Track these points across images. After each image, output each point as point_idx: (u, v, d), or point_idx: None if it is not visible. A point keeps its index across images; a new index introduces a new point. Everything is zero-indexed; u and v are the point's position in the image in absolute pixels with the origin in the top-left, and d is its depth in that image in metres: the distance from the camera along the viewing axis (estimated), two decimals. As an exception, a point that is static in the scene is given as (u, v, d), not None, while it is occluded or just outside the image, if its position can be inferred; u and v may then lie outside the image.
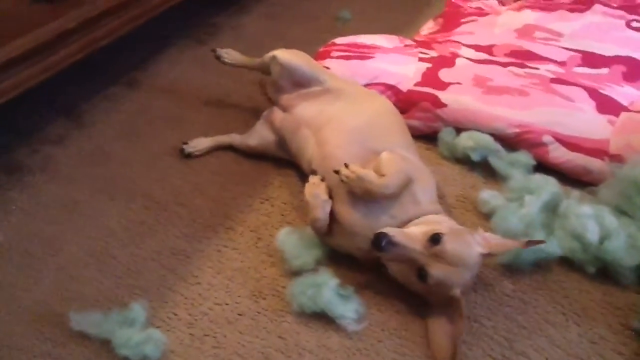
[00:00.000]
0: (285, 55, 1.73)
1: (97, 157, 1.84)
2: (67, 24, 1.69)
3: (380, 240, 1.24)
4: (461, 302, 1.24)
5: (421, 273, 1.25)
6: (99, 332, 1.30)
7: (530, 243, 1.33)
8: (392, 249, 1.24)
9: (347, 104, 1.61)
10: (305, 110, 1.65)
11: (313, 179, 1.45)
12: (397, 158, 1.40)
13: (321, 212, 1.39)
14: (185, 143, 1.84)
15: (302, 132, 1.61)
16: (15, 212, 1.64)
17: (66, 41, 1.73)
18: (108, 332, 1.29)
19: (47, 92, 2.02)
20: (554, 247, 1.42)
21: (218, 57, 1.92)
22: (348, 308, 1.33)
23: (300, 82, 1.71)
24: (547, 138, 1.67)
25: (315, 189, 1.42)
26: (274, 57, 1.74)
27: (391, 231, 1.25)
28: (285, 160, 1.74)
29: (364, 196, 1.34)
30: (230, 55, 1.92)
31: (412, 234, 1.27)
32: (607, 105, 1.73)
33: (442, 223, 1.31)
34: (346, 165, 1.36)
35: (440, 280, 1.24)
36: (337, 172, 1.37)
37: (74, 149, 1.87)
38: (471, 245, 1.28)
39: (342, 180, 1.36)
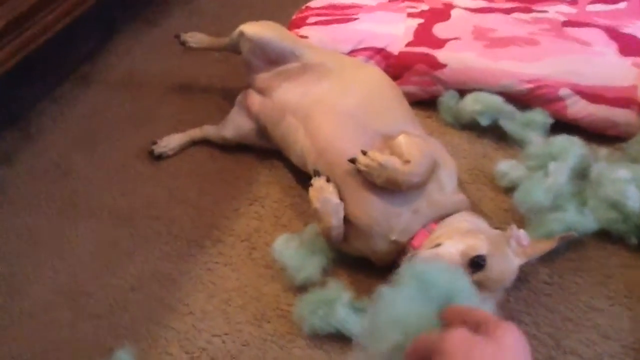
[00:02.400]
0: (253, 29, 1.50)
1: (52, 173, 1.60)
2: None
3: None
4: None
5: None
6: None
7: (563, 239, 1.17)
8: None
9: (334, 81, 1.38)
10: (286, 95, 1.42)
11: (317, 182, 1.23)
12: (418, 140, 1.19)
13: (335, 219, 1.19)
14: (155, 143, 1.62)
15: (287, 122, 1.39)
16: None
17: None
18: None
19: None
20: (588, 220, 1.24)
21: (183, 43, 1.69)
22: (366, 324, 1.15)
23: (274, 59, 1.48)
24: (564, 91, 1.47)
25: (323, 194, 1.21)
26: (241, 33, 1.50)
27: (420, 258, 1.05)
28: (269, 150, 1.53)
29: (387, 186, 1.14)
30: (195, 38, 1.69)
31: (446, 259, 1.03)
32: (631, 46, 1.53)
33: (477, 231, 1.11)
34: (363, 153, 1.16)
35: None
36: (352, 160, 1.17)
37: (24, 167, 1.63)
38: (510, 260, 1.09)
39: (359, 170, 1.16)
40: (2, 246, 1.42)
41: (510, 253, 1.09)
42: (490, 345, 0.58)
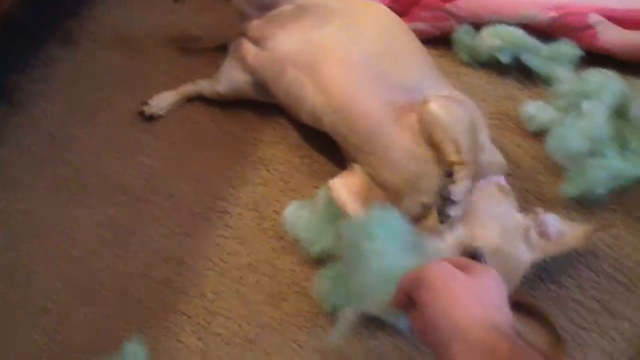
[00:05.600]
0: None
1: (43, 146, 1.48)
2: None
3: None
4: (529, 301, 0.99)
5: None
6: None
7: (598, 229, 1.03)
8: None
9: (339, 25, 1.21)
10: (284, 44, 1.26)
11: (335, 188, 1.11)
12: (453, 108, 1.04)
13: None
14: (145, 103, 1.49)
15: (290, 76, 1.23)
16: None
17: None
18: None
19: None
20: (633, 165, 1.11)
21: None
22: (393, 299, 1.05)
23: (266, 3, 1.32)
24: (594, 17, 1.32)
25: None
26: None
27: None
28: (271, 105, 1.39)
29: None
30: None
31: (442, 247, 0.96)
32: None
33: (493, 216, 0.99)
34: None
35: None
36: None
37: (13, 143, 1.50)
38: (520, 255, 0.98)
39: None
40: (3, 235, 1.32)
41: (524, 247, 0.98)
42: (468, 280, 0.61)
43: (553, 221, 1.02)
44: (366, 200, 1.09)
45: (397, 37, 1.21)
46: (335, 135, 1.19)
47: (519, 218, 1.01)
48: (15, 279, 1.23)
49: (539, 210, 1.01)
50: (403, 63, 1.15)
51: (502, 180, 1.07)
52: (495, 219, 0.99)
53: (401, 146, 1.05)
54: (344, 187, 1.11)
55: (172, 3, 1.63)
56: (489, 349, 0.54)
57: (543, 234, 1.00)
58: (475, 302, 0.59)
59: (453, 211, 0.95)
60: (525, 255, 0.98)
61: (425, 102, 1.04)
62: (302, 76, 1.21)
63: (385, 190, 1.08)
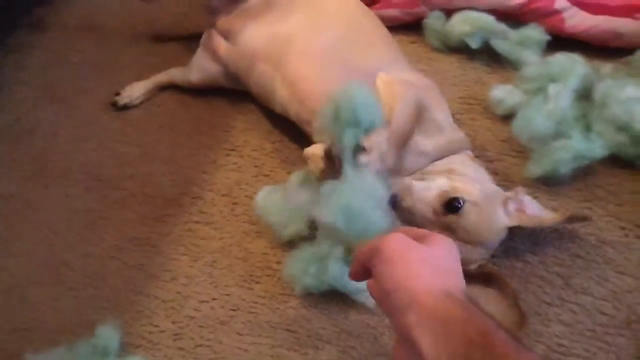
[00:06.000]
0: None
1: (15, 134, 1.48)
2: None
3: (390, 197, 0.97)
4: (496, 274, 1.00)
5: None
6: (66, 375, 1.03)
7: (572, 219, 1.04)
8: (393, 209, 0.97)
9: (303, 14, 1.23)
10: (252, 39, 1.27)
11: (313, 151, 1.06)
12: (395, 84, 1.08)
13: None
14: (118, 94, 1.49)
15: (259, 69, 1.25)
16: None
17: None
18: (77, 372, 1.03)
19: None
20: (596, 146, 1.14)
21: None
22: (363, 278, 1.07)
23: None
24: (561, 3, 1.34)
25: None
26: None
27: (402, 188, 0.97)
28: (243, 92, 1.40)
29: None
30: None
31: (420, 192, 0.98)
32: (632, -53, 1.37)
33: (473, 179, 1.01)
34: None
35: None
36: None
37: (-19, 128, 1.50)
38: (497, 217, 1.00)
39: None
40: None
41: (501, 211, 1.00)
42: (424, 249, 0.62)
43: (531, 203, 1.04)
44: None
45: (360, 24, 1.23)
46: (300, 123, 1.21)
47: (497, 188, 1.04)
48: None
49: (520, 189, 1.04)
50: (366, 49, 1.17)
51: (470, 154, 1.10)
52: (476, 180, 1.02)
53: None
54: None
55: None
56: (441, 318, 0.55)
57: (520, 211, 1.02)
58: (428, 270, 0.59)
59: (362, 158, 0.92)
60: (502, 219, 1.01)
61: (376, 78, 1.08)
62: (271, 70, 1.23)
63: None
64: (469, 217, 0.97)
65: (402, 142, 1.04)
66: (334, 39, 1.17)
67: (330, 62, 1.15)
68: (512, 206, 1.01)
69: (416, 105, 1.06)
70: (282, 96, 1.21)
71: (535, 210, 1.03)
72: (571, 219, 1.03)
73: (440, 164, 1.06)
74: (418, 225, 0.98)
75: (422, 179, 1.02)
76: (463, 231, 0.97)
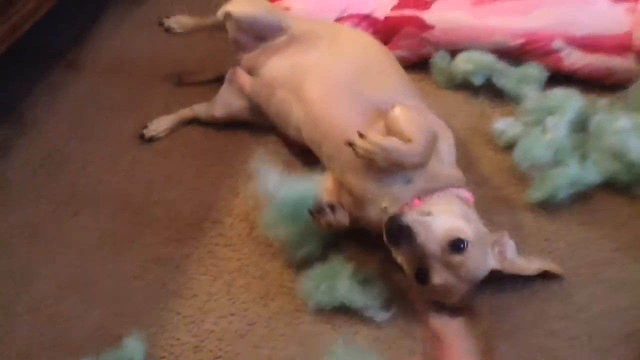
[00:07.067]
0: (238, 7, 1.46)
1: (49, 164, 1.59)
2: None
3: (394, 227, 1.02)
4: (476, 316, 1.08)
5: (420, 273, 1.03)
6: (94, 384, 1.11)
7: (547, 274, 1.11)
8: (404, 242, 1.02)
9: (325, 48, 1.35)
10: (274, 69, 1.39)
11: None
12: (415, 114, 1.15)
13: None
14: (145, 127, 1.60)
15: (279, 96, 1.36)
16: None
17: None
18: (104, 381, 1.10)
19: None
20: (591, 173, 1.22)
21: (167, 30, 1.61)
22: (371, 295, 1.14)
23: (262, 35, 1.44)
24: (558, 43, 1.44)
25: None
26: (227, 14, 1.45)
27: (410, 218, 1.03)
28: (263, 126, 1.50)
29: (390, 168, 1.10)
30: (180, 23, 1.61)
31: (433, 230, 1.02)
32: (622, -8, 1.48)
33: (469, 219, 1.08)
34: (360, 135, 1.09)
35: (440, 288, 1.04)
36: (351, 144, 1.10)
37: (21, 160, 1.61)
38: (488, 258, 1.07)
39: (358, 154, 1.10)
40: (5, 243, 1.41)
41: (490, 254, 1.07)
42: None
43: (511, 248, 1.11)
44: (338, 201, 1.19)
45: (376, 59, 1.34)
46: (311, 145, 1.30)
47: (486, 230, 1.10)
48: (13, 281, 1.33)
49: (505, 233, 1.11)
50: (378, 81, 1.27)
51: (463, 192, 1.15)
52: (469, 220, 1.07)
53: None
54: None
55: (169, 36, 1.74)
56: None
57: (501, 253, 1.09)
58: None
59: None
60: (491, 261, 1.08)
61: (391, 107, 1.16)
62: (289, 95, 1.33)
63: (352, 196, 1.18)
64: (471, 257, 1.02)
65: (424, 164, 1.11)
66: (350, 70, 1.28)
67: (344, 90, 1.25)
68: (496, 249, 1.08)
69: (433, 136, 1.12)
70: (298, 117, 1.30)
71: (512, 255, 1.10)
72: (546, 274, 1.11)
73: (439, 201, 1.10)
74: (419, 259, 1.02)
75: (429, 214, 1.05)
76: (462, 270, 1.02)
